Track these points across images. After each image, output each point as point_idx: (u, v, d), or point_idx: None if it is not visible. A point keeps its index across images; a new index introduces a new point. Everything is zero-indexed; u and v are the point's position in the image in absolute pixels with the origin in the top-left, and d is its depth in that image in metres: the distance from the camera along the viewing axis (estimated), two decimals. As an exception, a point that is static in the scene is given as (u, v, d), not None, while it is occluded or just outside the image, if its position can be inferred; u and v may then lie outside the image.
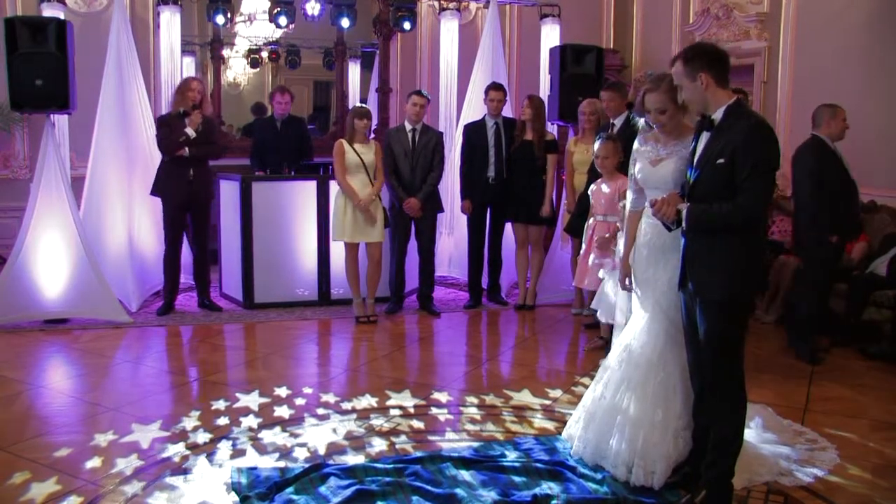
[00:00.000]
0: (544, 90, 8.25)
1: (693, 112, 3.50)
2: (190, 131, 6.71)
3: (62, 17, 6.95)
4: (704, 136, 3.41)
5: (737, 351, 3.43)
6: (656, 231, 3.71)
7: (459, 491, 3.56)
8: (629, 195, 4.04)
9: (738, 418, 3.43)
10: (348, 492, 3.51)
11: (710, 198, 3.31)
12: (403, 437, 4.29)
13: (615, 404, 3.78)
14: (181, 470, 3.83)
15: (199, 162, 6.84)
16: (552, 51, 8.02)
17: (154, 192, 6.91)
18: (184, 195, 6.80)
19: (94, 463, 3.90)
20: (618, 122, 6.49)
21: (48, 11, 7.19)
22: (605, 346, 5.63)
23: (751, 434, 4.10)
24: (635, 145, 3.92)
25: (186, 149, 6.71)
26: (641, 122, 3.96)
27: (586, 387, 4.80)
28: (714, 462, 3.43)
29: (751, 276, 3.41)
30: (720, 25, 9.02)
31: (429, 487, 3.58)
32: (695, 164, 3.42)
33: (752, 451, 3.89)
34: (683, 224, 3.36)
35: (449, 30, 8.66)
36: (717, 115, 3.36)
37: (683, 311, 3.56)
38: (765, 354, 5.95)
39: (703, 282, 3.37)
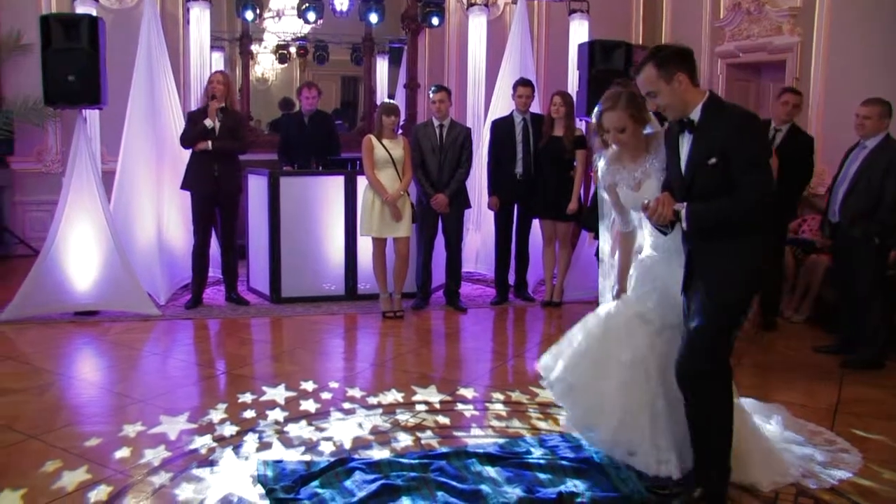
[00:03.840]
0: (572, 86, 8.20)
1: (674, 116, 3.37)
2: (208, 122, 6.74)
3: (94, 13, 7.02)
4: (686, 139, 3.32)
5: (730, 349, 3.36)
6: (655, 244, 3.63)
7: (484, 487, 3.55)
8: (616, 218, 3.93)
9: (729, 414, 3.36)
10: (374, 486, 3.52)
11: (707, 199, 3.23)
12: (429, 433, 4.28)
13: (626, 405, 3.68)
14: (208, 462, 3.86)
15: (223, 156, 6.87)
16: (580, 47, 7.96)
17: (184, 187, 6.97)
18: (209, 189, 6.85)
19: (123, 453, 3.94)
20: None
21: (81, 8, 7.27)
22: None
23: (774, 433, 4.06)
24: (601, 169, 3.80)
25: (209, 143, 6.76)
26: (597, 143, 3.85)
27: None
28: (708, 461, 3.37)
29: (759, 276, 3.34)
30: (751, 20, 8.92)
31: (454, 483, 3.57)
32: (683, 169, 3.32)
33: (777, 451, 3.84)
34: (683, 224, 3.27)
35: (477, 25, 8.63)
36: (695, 115, 3.27)
37: (685, 314, 3.45)
38: (794, 354, 5.89)
39: (715, 283, 3.25)
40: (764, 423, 4.15)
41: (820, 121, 7.94)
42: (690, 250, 3.37)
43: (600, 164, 3.85)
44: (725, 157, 3.16)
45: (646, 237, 3.78)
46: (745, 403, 4.02)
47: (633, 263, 3.84)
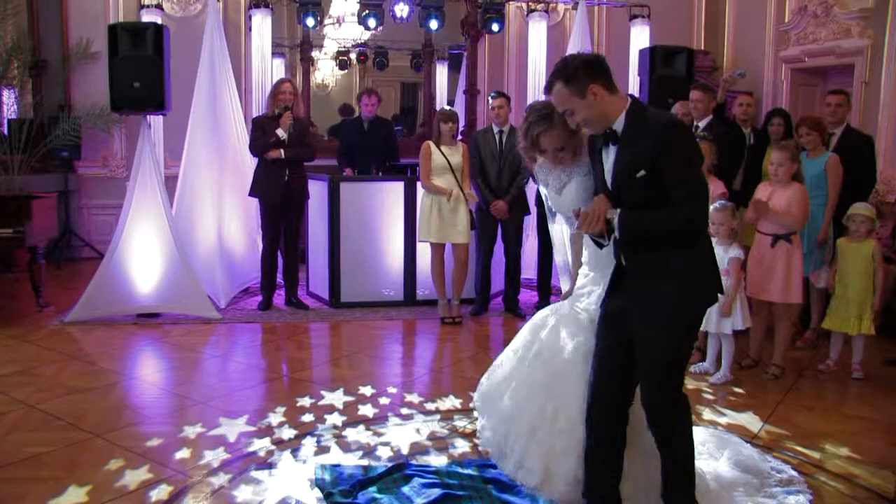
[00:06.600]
0: (633, 92, 8.11)
1: (596, 130, 3.09)
2: (281, 132, 6.81)
3: (159, 21, 7.15)
4: (611, 150, 3.06)
5: (683, 373, 3.14)
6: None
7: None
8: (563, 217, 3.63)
9: (690, 445, 3.12)
10: (433, 494, 3.49)
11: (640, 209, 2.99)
12: (487, 440, 4.24)
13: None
14: (266, 464, 3.87)
15: (293, 163, 6.93)
16: (642, 52, 7.88)
17: (252, 194, 7.05)
18: (279, 196, 6.90)
19: (184, 454, 3.98)
20: (701, 124, 6.39)
21: (147, 17, 7.44)
22: (701, 356, 5.58)
23: (722, 475, 3.69)
24: (538, 169, 3.50)
25: (282, 151, 6.82)
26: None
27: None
28: (674, 498, 3.13)
29: (707, 290, 3.10)
30: (818, 24, 8.70)
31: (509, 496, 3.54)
32: (609, 181, 3.06)
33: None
34: (616, 233, 2.99)
35: (537, 31, 8.59)
36: (619, 125, 3.02)
37: (601, 327, 3.19)
38: (863, 367, 5.68)
39: (654, 303, 2.99)
40: (712, 459, 3.81)
41: (891, 126, 7.69)
42: (622, 265, 3.10)
43: (539, 161, 3.53)
44: (654, 169, 2.91)
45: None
46: (697, 435, 3.48)
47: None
